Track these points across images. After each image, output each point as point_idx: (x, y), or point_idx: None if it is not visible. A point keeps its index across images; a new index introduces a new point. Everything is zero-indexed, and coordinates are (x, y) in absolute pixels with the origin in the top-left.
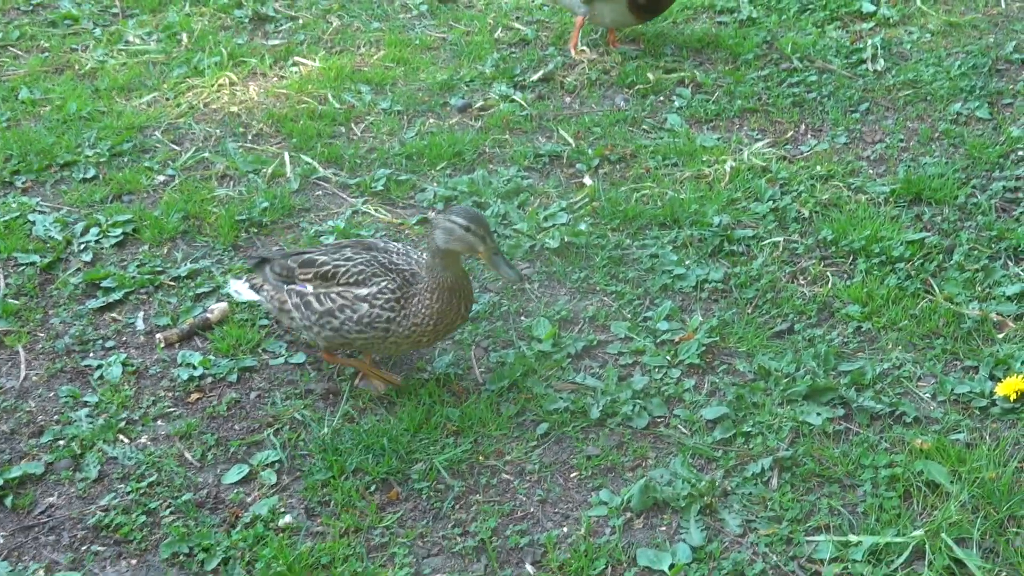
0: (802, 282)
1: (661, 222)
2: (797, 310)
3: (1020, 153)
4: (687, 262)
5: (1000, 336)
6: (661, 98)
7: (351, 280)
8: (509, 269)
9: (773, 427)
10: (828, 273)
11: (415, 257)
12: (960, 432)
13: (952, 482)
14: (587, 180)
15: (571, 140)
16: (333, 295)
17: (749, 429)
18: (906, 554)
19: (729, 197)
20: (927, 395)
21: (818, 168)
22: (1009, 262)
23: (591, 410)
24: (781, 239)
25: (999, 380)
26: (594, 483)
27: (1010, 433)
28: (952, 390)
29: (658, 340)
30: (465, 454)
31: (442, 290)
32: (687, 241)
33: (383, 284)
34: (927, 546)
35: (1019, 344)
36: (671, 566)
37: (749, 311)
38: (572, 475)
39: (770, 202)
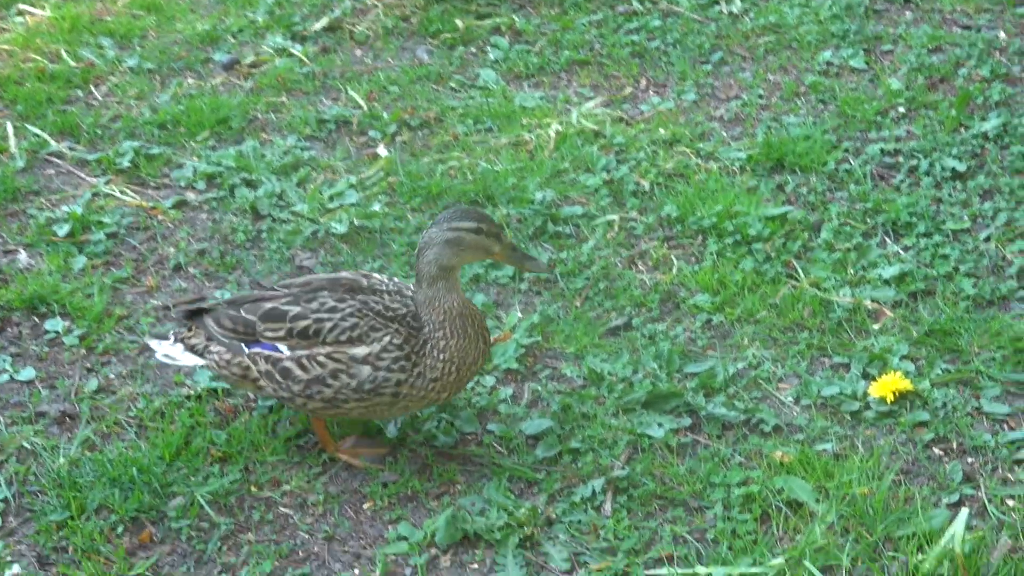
0: (642, 268)
1: (472, 199)
2: (635, 302)
3: (901, 110)
4: None
5: (875, 327)
6: (472, 50)
7: (343, 338)
8: (532, 260)
9: (606, 442)
10: (673, 257)
11: (409, 294)
12: (828, 441)
13: (818, 500)
14: (382, 150)
15: (362, 102)
16: (320, 358)
17: (578, 445)
18: None
19: (554, 168)
20: (789, 399)
21: (661, 131)
22: (887, 239)
23: (387, 428)
24: (616, 217)
25: (873, 379)
26: (391, 515)
27: (886, 441)
28: (819, 392)
29: None
30: (234, 485)
31: (452, 320)
32: (503, 222)
33: (386, 340)
34: None
35: (897, 336)
36: None
37: (578, 304)
38: (364, 506)
39: (603, 173)
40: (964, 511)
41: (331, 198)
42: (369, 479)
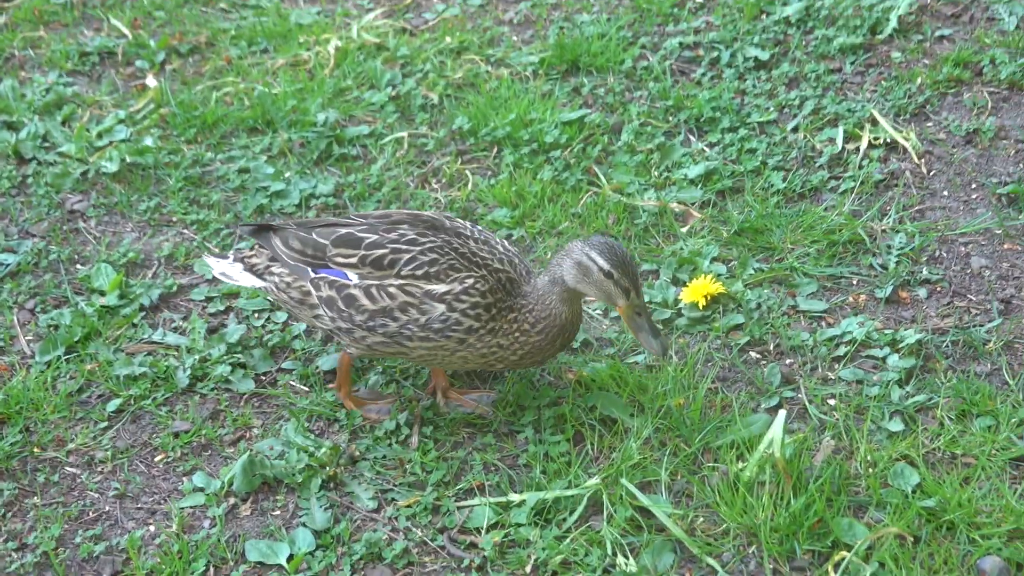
0: (435, 186)
1: (251, 126)
2: None
3: (698, 0)
4: (287, 174)
5: (683, 230)
6: None
7: (419, 272)
8: (653, 338)
9: (408, 372)
10: (467, 172)
11: (511, 258)
12: (640, 353)
13: (632, 415)
14: (151, 81)
15: (126, 30)
16: (392, 289)
17: (378, 377)
18: (580, 509)
19: (336, 87)
20: (597, 312)
21: (448, 40)
22: (690, 136)
23: (176, 375)
24: (405, 135)
25: (684, 284)
26: (185, 466)
27: (700, 348)
28: None
29: None
30: (14, 448)
31: (551, 326)
32: (285, 148)
33: (470, 282)
34: (605, 497)
35: (706, 238)
36: (289, 558)
37: None
38: (157, 459)
39: (389, 89)
40: (782, 414)
41: (99, 135)
42: (159, 430)
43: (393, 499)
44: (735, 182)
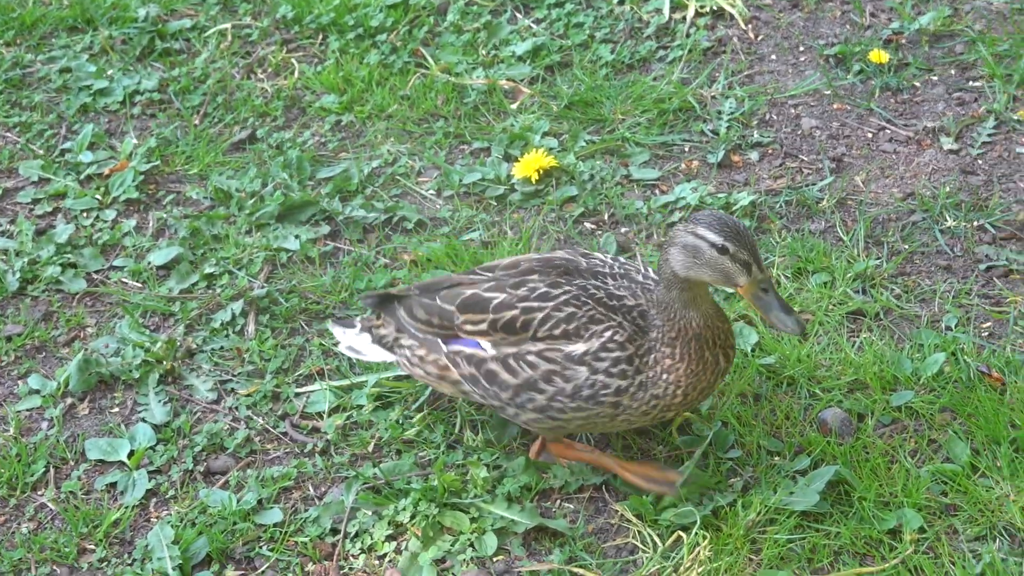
0: (261, 76)
1: (71, 25)
2: (258, 112)
3: None
4: (109, 72)
5: (513, 107)
6: None
7: (556, 332)
8: (786, 315)
9: (242, 262)
10: (293, 60)
11: (641, 279)
12: (475, 230)
13: None
14: None
15: None
16: (531, 357)
17: (212, 270)
18: (427, 392)
19: None
20: (430, 192)
21: None
22: (517, 14)
23: (6, 278)
24: (229, 26)
25: (516, 160)
26: (19, 369)
27: (535, 221)
28: (460, 181)
29: (82, 176)
30: None
31: (686, 340)
32: (107, 45)
33: (607, 335)
34: None
35: (537, 113)
36: (130, 454)
37: (197, 122)
38: None
39: None
40: None
41: None
42: None
43: (233, 389)
44: (563, 57)
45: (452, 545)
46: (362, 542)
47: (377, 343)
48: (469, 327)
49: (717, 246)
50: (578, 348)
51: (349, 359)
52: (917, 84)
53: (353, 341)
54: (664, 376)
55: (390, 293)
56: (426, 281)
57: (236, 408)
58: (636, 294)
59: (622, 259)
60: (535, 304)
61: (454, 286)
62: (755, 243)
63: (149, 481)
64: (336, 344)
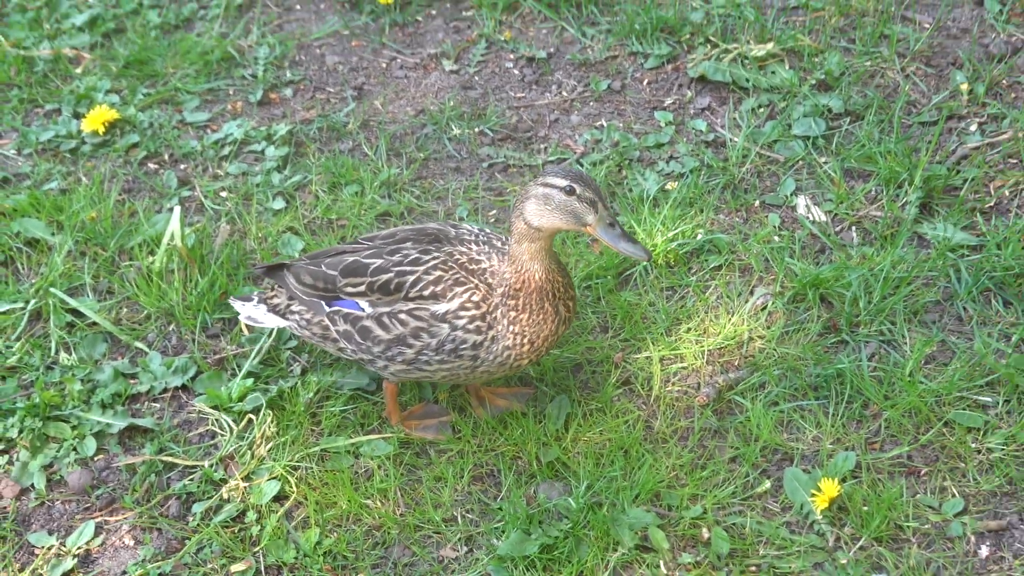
0: None
1: None
2: None
3: None
4: None
5: (78, 71)
6: None
7: (426, 292)
8: (632, 244)
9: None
10: None
11: (499, 245)
12: (53, 181)
13: (53, 234)
14: None
15: None
16: (402, 315)
17: None
18: (24, 322)
19: None
20: (12, 152)
21: None
22: None
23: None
24: None
25: (83, 117)
26: None
27: (105, 168)
28: (37, 139)
29: None
30: None
31: (528, 293)
32: None
33: (465, 296)
34: (43, 306)
35: (99, 74)
36: None
37: None
38: None
39: None
40: (177, 209)
41: None
42: None
43: None
44: (118, 24)
45: (57, 452)
46: None
47: (272, 311)
48: (350, 289)
49: (565, 189)
50: (441, 307)
51: None
52: (419, 19)
53: (252, 312)
54: (511, 328)
55: (280, 264)
56: (314, 252)
57: None
58: (490, 257)
59: (487, 229)
60: (408, 268)
61: (338, 254)
62: (599, 186)
63: None
64: (238, 316)
